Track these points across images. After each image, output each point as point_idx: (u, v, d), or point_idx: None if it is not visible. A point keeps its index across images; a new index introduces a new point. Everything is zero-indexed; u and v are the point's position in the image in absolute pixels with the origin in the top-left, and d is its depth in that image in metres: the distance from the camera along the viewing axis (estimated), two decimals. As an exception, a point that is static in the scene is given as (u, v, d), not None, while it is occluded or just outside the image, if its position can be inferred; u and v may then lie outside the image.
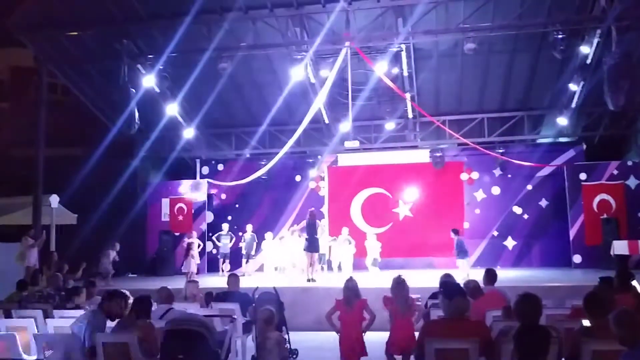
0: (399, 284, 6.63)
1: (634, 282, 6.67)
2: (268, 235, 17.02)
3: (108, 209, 16.44)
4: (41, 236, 13.83)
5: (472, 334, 4.76)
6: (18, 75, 18.96)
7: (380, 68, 14.47)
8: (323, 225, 16.17)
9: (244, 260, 16.85)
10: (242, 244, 17.05)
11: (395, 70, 15.28)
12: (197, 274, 15.51)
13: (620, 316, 3.83)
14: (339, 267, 16.06)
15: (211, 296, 8.52)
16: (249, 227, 17.39)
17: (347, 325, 6.61)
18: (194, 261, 15.58)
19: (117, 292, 6.10)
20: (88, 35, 14.86)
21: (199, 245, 16.31)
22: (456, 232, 14.68)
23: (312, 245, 13.97)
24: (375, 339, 6.69)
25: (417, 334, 5.21)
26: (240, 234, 17.61)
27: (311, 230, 14.00)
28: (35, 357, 6.20)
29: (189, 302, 8.32)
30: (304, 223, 14.35)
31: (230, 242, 17.12)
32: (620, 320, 3.80)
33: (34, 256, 13.38)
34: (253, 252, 17.08)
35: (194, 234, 16.92)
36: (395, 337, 6.44)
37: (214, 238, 17.40)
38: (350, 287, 6.74)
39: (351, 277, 6.98)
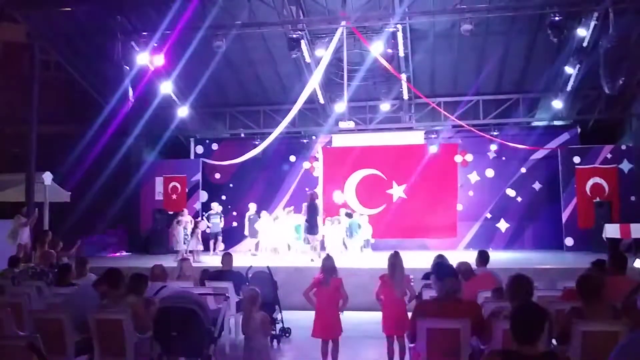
0: (395, 258, 6.69)
1: (636, 263, 6.61)
2: (263, 214, 17.00)
3: (102, 186, 16.40)
4: (34, 214, 13.77)
5: (464, 314, 4.81)
6: (10, 50, 18.68)
7: (376, 48, 14.35)
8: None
9: (253, 240, 16.70)
10: (247, 223, 16.85)
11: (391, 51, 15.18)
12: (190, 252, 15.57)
13: None
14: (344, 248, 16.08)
15: (206, 274, 8.56)
16: (252, 206, 17.19)
17: (323, 302, 6.72)
18: (199, 240, 15.82)
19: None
20: (81, 11, 14.64)
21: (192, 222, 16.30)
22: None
23: (312, 228, 13.85)
24: (369, 319, 6.72)
25: (409, 314, 5.26)
26: (234, 213, 17.55)
27: (312, 212, 13.82)
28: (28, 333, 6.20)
29: (182, 281, 8.33)
30: (304, 205, 14.13)
31: (221, 221, 16.94)
32: None
33: (26, 234, 13.30)
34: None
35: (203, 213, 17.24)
36: (390, 317, 6.49)
37: (204, 217, 17.34)
38: (327, 265, 6.83)
39: (328, 255, 7.12)
